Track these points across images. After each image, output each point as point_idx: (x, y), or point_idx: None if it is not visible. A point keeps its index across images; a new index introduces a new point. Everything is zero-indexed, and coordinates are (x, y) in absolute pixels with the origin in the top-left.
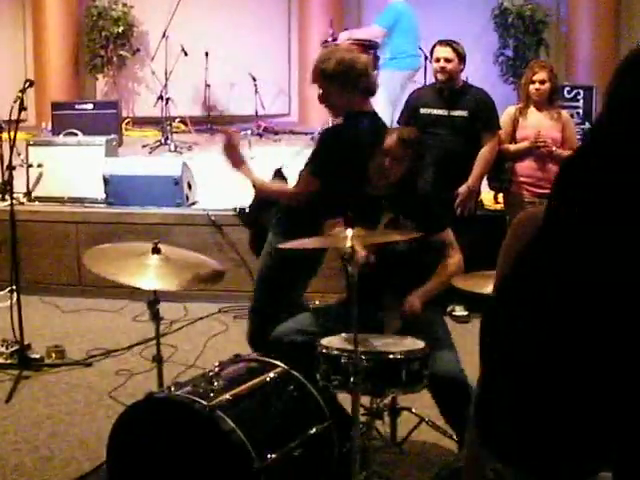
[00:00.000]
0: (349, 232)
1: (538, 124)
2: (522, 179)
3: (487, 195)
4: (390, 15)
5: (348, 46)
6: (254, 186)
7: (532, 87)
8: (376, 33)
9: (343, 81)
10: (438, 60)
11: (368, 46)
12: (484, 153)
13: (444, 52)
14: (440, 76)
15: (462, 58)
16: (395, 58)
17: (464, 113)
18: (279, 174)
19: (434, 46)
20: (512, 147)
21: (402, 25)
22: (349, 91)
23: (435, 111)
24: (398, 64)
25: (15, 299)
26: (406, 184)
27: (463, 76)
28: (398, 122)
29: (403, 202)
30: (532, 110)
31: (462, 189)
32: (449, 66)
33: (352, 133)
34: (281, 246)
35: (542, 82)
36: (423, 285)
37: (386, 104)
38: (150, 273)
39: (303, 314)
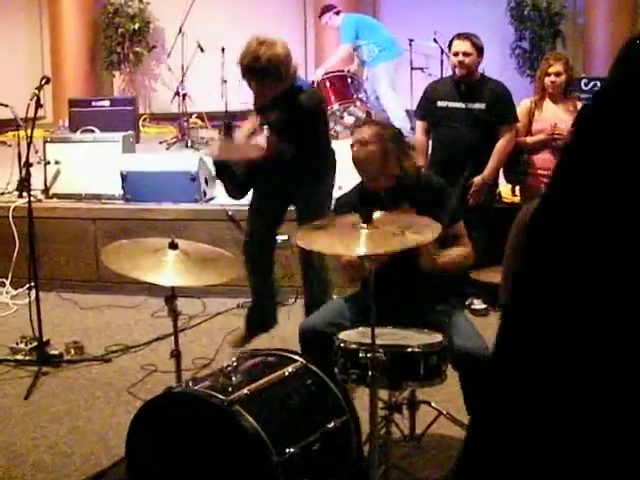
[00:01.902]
0: (364, 230)
1: (554, 116)
2: (538, 171)
3: (505, 188)
4: (349, 28)
5: (265, 38)
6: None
7: (547, 79)
8: (345, 51)
9: (280, 74)
10: (457, 54)
11: (345, 77)
12: (501, 145)
13: (462, 46)
14: (458, 71)
15: (480, 51)
16: (384, 50)
17: (481, 106)
18: (228, 127)
19: (452, 40)
20: (528, 139)
21: (365, 26)
22: (284, 80)
23: (452, 104)
24: (388, 55)
25: (33, 296)
26: (410, 177)
27: (480, 69)
28: (415, 114)
29: (417, 195)
30: (548, 103)
31: (476, 180)
32: (467, 60)
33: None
34: (298, 242)
35: (557, 74)
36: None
37: (391, 93)
38: (168, 269)
39: (332, 304)
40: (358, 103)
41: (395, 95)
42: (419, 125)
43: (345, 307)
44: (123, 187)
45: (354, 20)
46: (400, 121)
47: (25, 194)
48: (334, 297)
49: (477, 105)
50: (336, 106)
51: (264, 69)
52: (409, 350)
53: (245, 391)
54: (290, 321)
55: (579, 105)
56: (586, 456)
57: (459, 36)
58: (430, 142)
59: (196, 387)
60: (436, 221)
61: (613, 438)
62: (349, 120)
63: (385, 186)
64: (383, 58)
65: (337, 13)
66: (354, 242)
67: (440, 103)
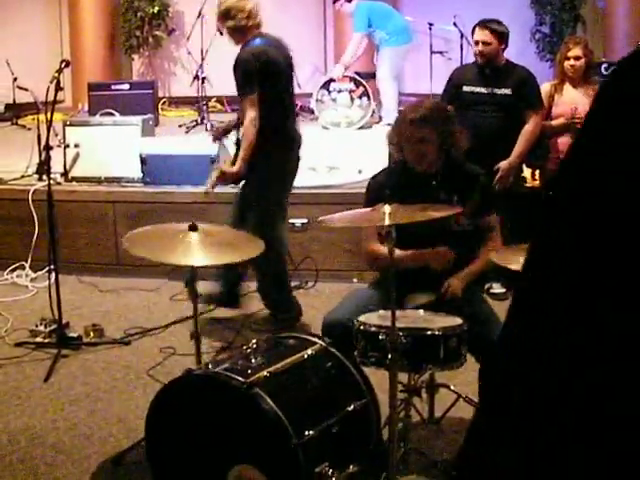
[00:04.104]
0: (386, 209)
1: (573, 100)
2: (559, 155)
3: (525, 172)
4: (361, 17)
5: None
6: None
7: (567, 63)
8: (358, 41)
9: (233, 21)
10: (477, 43)
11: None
12: (527, 130)
13: (481, 35)
14: (479, 59)
15: (502, 38)
16: (392, 36)
17: (507, 91)
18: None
19: (474, 27)
20: (554, 123)
21: (377, 14)
22: (239, 28)
23: (477, 89)
24: (396, 41)
25: (53, 279)
26: (452, 162)
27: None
28: (441, 99)
29: (455, 182)
30: (567, 87)
31: (503, 164)
32: (487, 49)
33: (250, 47)
34: (322, 219)
35: (577, 58)
36: (461, 267)
37: (390, 79)
38: (189, 251)
39: (355, 295)
40: (335, 76)
41: (392, 82)
42: None
43: (368, 297)
44: (142, 170)
45: (366, 8)
46: (389, 107)
47: (45, 177)
48: (354, 280)
49: (502, 90)
50: (317, 93)
51: (222, 14)
52: (429, 333)
53: (265, 373)
54: (308, 304)
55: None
56: (566, 435)
57: (479, 25)
58: None
59: (215, 369)
60: (472, 210)
61: (592, 419)
62: (343, 98)
63: (430, 170)
64: (390, 43)
65: (350, 0)
66: (377, 218)
67: (466, 88)
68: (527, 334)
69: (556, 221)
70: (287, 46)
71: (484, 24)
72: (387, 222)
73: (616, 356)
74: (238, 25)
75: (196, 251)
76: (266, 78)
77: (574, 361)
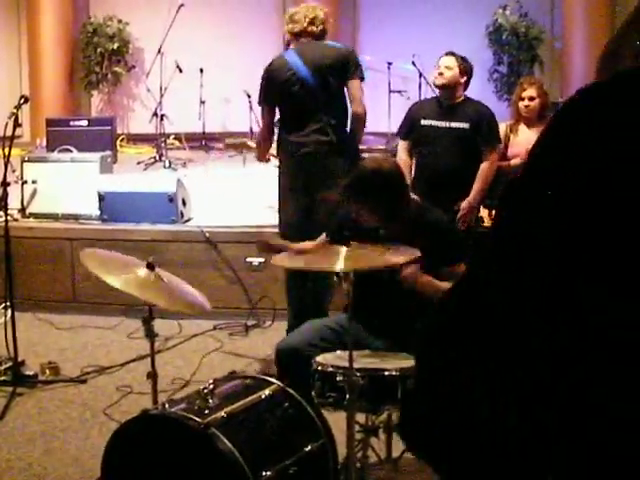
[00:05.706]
0: (342, 251)
1: (528, 141)
2: None
3: (483, 212)
4: None
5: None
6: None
7: (521, 104)
8: None
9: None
10: (439, 67)
11: None
12: (485, 167)
13: (445, 61)
14: (437, 80)
15: (464, 71)
16: None
17: (465, 125)
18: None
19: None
20: (512, 162)
21: None
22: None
23: (435, 122)
24: None
25: (9, 315)
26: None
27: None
28: (397, 133)
29: (415, 235)
30: (522, 127)
31: (463, 204)
32: (447, 73)
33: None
34: (274, 263)
35: (531, 99)
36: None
37: None
38: (146, 286)
39: (310, 325)
40: None
41: None
42: (402, 144)
43: (324, 329)
44: (100, 207)
45: None
46: None
47: (1, 213)
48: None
49: (461, 125)
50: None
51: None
52: (387, 373)
53: (222, 414)
54: (265, 343)
55: None
56: (546, 434)
57: (446, 52)
58: (414, 161)
59: (172, 409)
60: (439, 261)
61: (575, 416)
62: None
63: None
64: None
65: None
66: (334, 259)
67: (424, 122)
68: (488, 339)
69: (525, 221)
70: (325, 59)
71: (451, 52)
72: (341, 266)
73: (599, 353)
74: (285, 31)
75: (153, 289)
76: (269, 90)
77: (557, 361)
